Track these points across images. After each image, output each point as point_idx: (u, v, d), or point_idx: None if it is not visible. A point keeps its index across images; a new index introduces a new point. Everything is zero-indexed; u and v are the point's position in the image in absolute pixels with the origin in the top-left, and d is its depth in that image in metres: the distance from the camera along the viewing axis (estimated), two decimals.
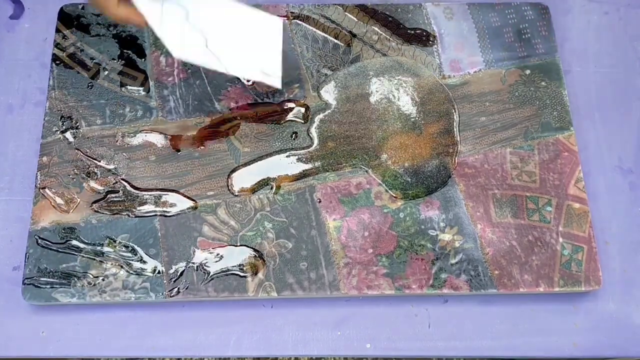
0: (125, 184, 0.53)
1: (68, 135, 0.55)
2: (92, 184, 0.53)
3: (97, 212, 0.52)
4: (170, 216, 0.53)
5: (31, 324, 0.51)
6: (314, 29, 0.60)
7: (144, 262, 0.51)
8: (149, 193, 0.53)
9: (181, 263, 0.51)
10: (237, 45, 0.52)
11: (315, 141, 0.56)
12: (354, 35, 0.60)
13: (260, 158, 0.55)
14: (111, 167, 0.54)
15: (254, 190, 0.53)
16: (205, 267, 0.51)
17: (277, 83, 0.53)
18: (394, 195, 0.54)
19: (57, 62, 0.57)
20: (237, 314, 0.51)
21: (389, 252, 0.52)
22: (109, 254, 0.51)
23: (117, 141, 0.55)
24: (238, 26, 0.52)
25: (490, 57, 0.60)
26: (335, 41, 0.60)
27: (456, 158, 0.55)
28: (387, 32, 0.60)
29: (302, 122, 0.56)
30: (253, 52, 0.52)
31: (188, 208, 0.53)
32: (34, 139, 0.56)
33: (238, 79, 0.57)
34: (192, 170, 0.54)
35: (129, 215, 0.52)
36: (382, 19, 0.61)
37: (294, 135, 0.56)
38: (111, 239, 0.52)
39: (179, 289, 0.50)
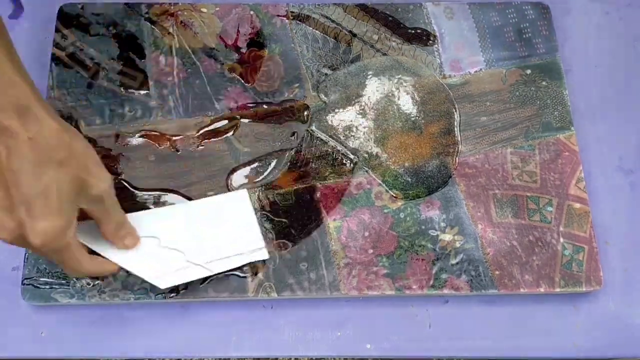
0: (125, 184, 0.53)
1: None
2: None
3: None
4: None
5: (31, 324, 0.51)
6: (314, 29, 0.60)
7: None
8: (149, 193, 0.53)
9: None
10: (213, 241, 0.50)
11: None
12: (354, 35, 0.60)
13: (260, 159, 0.55)
14: (111, 166, 0.54)
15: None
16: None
17: (263, 255, 0.51)
18: (394, 195, 0.54)
19: (57, 62, 0.57)
20: (237, 314, 0.51)
21: (389, 253, 0.52)
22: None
23: (116, 141, 0.55)
24: (206, 221, 0.51)
25: (490, 57, 0.60)
26: (335, 41, 0.59)
27: (457, 158, 0.55)
28: (387, 31, 0.60)
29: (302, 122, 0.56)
30: (230, 239, 0.51)
31: None
32: None
33: (239, 79, 0.57)
34: (192, 170, 0.54)
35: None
36: (382, 19, 0.61)
37: (293, 135, 0.56)
38: None
39: (179, 289, 0.50)
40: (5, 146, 0.39)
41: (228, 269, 0.50)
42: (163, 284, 0.48)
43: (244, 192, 0.53)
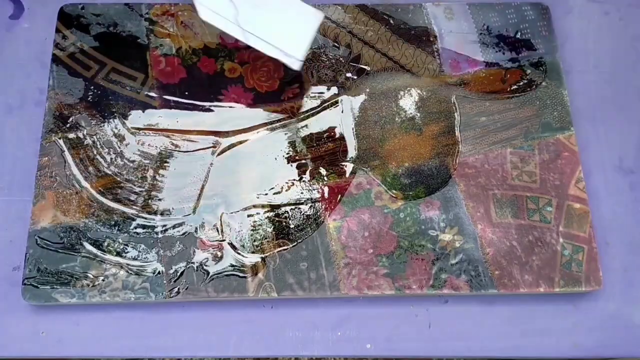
0: (125, 183, 0.53)
1: (68, 135, 0.55)
2: (93, 184, 0.53)
3: (97, 212, 0.52)
4: (169, 216, 0.52)
5: (31, 324, 0.51)
6: None
7: (144, 262, 0.51)
8: (141, 190, 0.53)
9: (181, 263, 0.51)
10: (267, 22, 0.54)
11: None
12: (354, 36, 0.60)
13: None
14: (111, 167, 0.54)
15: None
16: (205, 267, 0.51)
17: (295, 64, 0.54)
18: (394, 195, 0.54)
19: (57, 62, 0.57)
20: (237, 314, 0.51)
21: (389, 253, 0.52)
22: (109, 253, 0.51)
23: (116, 141, 0.55)
24: (276, 5, 0.54)
25: (490, 57, 0.60)
26: (335, 41, 0.60)
27: (456, 158, 0.55)
28: (387, 32, 0.60)
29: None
30: (282, 32, 0.54)
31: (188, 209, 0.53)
32: (34, 139, 0.56)
33: (239, 79, 0.57)
34: (192, 170, 0.54)
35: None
36: (382, 19, 0.61)
37: (293, 135, 0.56)
38: (111, 239, 0.52)
39: (179, 289, 0.50)
40: None
41: (261, 49, 0.53)
42: (204, 14, 0.52)
43: (320, 13, 0.55)
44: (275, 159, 0.55)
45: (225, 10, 0.53)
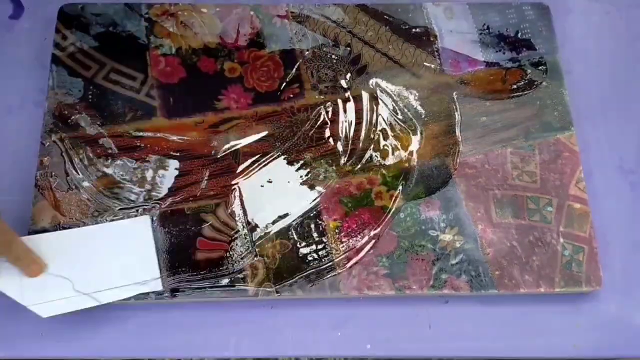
0: (125, 183, 0.53)
1: (68, 135, 0.55)
2: (93, 184, 0.53)
3: (97, 212, 0.52)
4: (170, 216, 0.52)
5: (31, 324, 0.51)
6: (314, 29, 0.60)
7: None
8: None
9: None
10: (106, 269, 0.49)
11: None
12: (354, 35, 0.60)
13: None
14: (111, 167, 0.54)
15: None
16: (205, 267, 0.51)
17: (157, 286, 0.50)
18: (394, 195, 0.54)
19: (57, 62, 0.57)
20: (237, 314, 0.51)
21: (389, 253, 0.52)
22: None
23: (115, 141, 0.55)
24: (103, 247, 0.50)
25: (490, 57, 0.59)
26: (335, 41, 0.59)
27: (457, 158, 0.55)
28: (387, 31, 0.60)
29: None
30: (125, 267, 0.50)
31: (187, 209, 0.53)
32: (34, 139, 0.56)
33: (239, 79, 0.57)
34: (193, 171, 0.54)
35: (128, 215, 0.52)
36: (382, 19, 0.61)
37: (294, 134, 0.56)
38: None
39: (178, 289, 0.50)
40: None
41: (118, 299, 0.49)
42: (45, 312, 0.47)
43: (146, 219, 0.51)
44: (275, 158, 0.55)
45: (61, 290, 0.48)
